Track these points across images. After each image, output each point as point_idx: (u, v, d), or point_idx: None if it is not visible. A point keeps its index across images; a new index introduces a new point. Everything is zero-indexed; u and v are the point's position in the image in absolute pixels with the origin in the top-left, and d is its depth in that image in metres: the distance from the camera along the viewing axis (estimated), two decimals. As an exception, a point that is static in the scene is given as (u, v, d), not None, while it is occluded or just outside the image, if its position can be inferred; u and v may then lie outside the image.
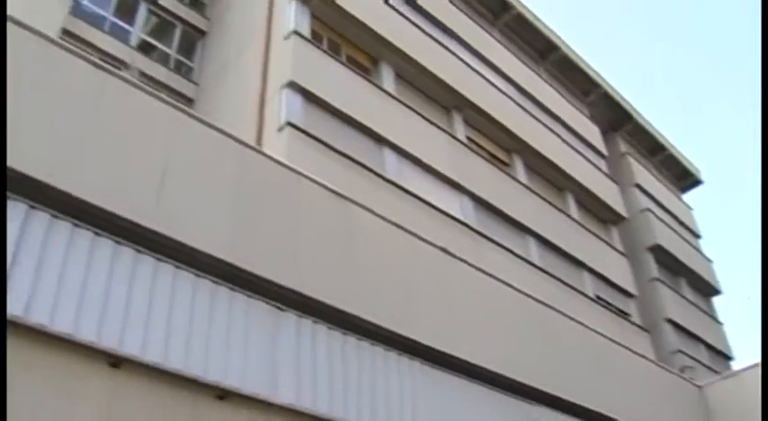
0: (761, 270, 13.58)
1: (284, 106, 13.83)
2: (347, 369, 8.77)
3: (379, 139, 15.31)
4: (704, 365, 23.52)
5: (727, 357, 26.34)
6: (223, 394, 7.31)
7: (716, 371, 23.49)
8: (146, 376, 6.85)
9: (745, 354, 41.83)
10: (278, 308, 8.36)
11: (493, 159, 19.03)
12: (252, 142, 10.49)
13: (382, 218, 10.64)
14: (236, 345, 7.66)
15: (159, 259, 7.44)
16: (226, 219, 8.39)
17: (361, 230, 10.29)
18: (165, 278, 7.41)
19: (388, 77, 17.15)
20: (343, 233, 9.94)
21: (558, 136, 22.35)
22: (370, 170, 14.39)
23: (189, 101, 17.05)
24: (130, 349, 6.75)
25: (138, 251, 7.31)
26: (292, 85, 14.16)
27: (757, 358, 17.32)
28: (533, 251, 18.14)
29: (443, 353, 10.13)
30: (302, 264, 8.96)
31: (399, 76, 17.59)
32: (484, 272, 12.09)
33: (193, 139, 8.69)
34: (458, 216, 15.99)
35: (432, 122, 17.30)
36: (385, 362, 9.33)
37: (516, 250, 17.25)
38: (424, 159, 16.06)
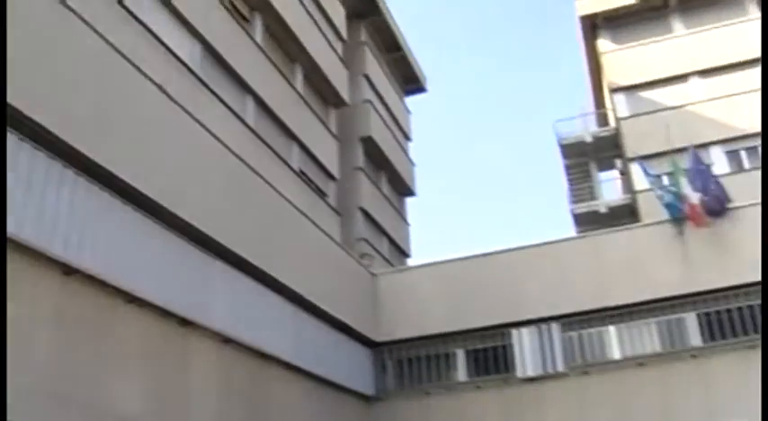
0: (761, 269, 14.52)
1: None
2: (31, 184, 8.20)
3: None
4: (383, 257, 25.00)
5: (405, 254, 28.18)
6: None
7: (392, 264, 25.11)
8: None
9: (420, 254, 45.00)
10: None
11: (234, 11, 18.36)
12: None
13: (104, 39, 9.95)
14: None
15: None
16: None
17: (78, 47, 9.56)
18: None
19: None
20: (59, 46, 9.17)
21: (305, 7, 22.02)
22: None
23: None
24: None
25: None
26: None
27: (430, 259, 18.79)
28: (250, 113, 17.96)
29: (137, 190, 9.84)
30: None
31: None
32: (197, 120, 11.80)
33: None
34: (184, 59, 15.37)
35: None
36: (73, 186, 8.86)
37: (235, 108, 16.98)
38: (163, -9, 15.14)
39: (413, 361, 17.55)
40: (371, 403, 17.06)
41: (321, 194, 21.21)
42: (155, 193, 10.22)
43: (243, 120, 17.27)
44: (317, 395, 14.55)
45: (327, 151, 22.19)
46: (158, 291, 10.06)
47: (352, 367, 16.35)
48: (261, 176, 13.54)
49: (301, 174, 20.07)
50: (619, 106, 28.45)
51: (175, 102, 11.37)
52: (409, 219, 29.85)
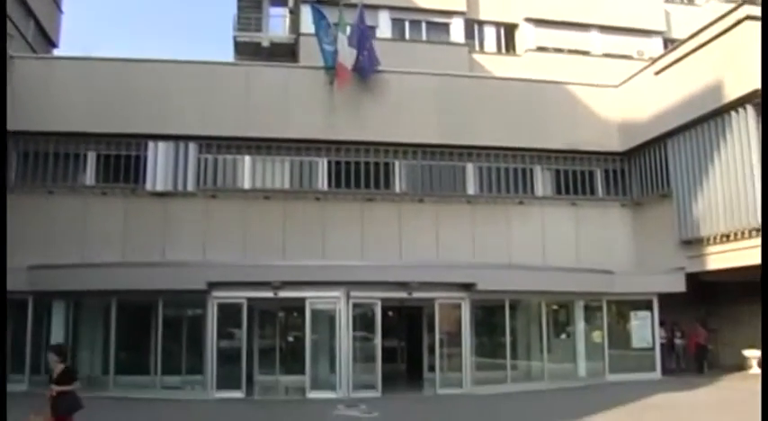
0: (761, 272, 13.91)
1: None
2: None
3: None
4: (27, 41, 23.11)
5: (53, 44, 26.29)
6: None
7: (35, 51, 23.40)
8: None
9: (72, 48, 41.97)
10: None
11: None
12: None
13: None
14: None
15: None
16: None
17: None
18: None
19: None
20: None
21: None
22: None
23: None
24: None
25: None
26: None
27: (80, 53, 17.77)
28: None
29: None
30: None
31: None
32: None
33: None
34: None
35: None
36: None
37: None
38: None
39: (40, 156, 16.81)
40: (-11, 196, 16.19)
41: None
42: None
43: None
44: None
45: None
46: None
47: (-28, 154, 15.27)
48: None
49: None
50: (303, -56, 28.31)
51: None
52: (65, 7, 27.71)
